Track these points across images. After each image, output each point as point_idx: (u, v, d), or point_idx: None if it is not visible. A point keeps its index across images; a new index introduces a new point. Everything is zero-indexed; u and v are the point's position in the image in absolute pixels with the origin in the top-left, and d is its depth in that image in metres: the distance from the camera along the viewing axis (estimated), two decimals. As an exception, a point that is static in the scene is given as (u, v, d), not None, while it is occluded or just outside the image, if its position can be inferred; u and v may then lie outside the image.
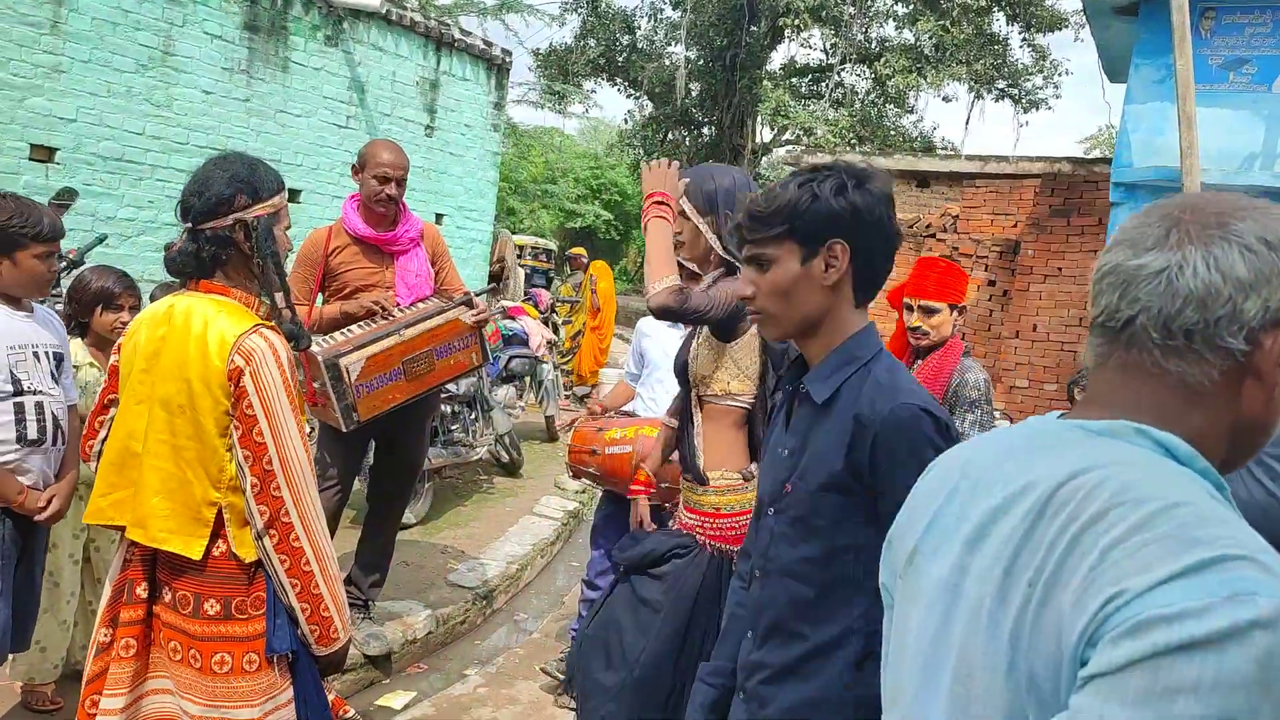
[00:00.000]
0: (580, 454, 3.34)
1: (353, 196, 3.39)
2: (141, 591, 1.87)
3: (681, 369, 2.31)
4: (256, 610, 1.81)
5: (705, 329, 2.23)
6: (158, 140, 6.21)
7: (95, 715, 1.85)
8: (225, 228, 1.84)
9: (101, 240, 4.83)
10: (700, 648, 2.13)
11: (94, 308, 2.82)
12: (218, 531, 1.81)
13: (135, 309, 2.90)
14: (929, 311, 2.79)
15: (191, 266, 1.86)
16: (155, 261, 6.30)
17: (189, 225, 1.84)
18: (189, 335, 1.79)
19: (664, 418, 2.64)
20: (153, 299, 3.24)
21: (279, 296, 1.92)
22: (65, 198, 4.93)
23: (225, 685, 1.80)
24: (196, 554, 1.79)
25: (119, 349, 1.95)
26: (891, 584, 0.95)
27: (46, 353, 2.42)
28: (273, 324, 1.88)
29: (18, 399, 2.30)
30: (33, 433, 2.34)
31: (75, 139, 5.74)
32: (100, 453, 1.97)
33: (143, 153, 6.13)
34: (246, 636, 1.81)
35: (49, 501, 2.39)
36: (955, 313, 2.82)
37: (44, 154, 5.63)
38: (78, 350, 2.80)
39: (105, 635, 1.89)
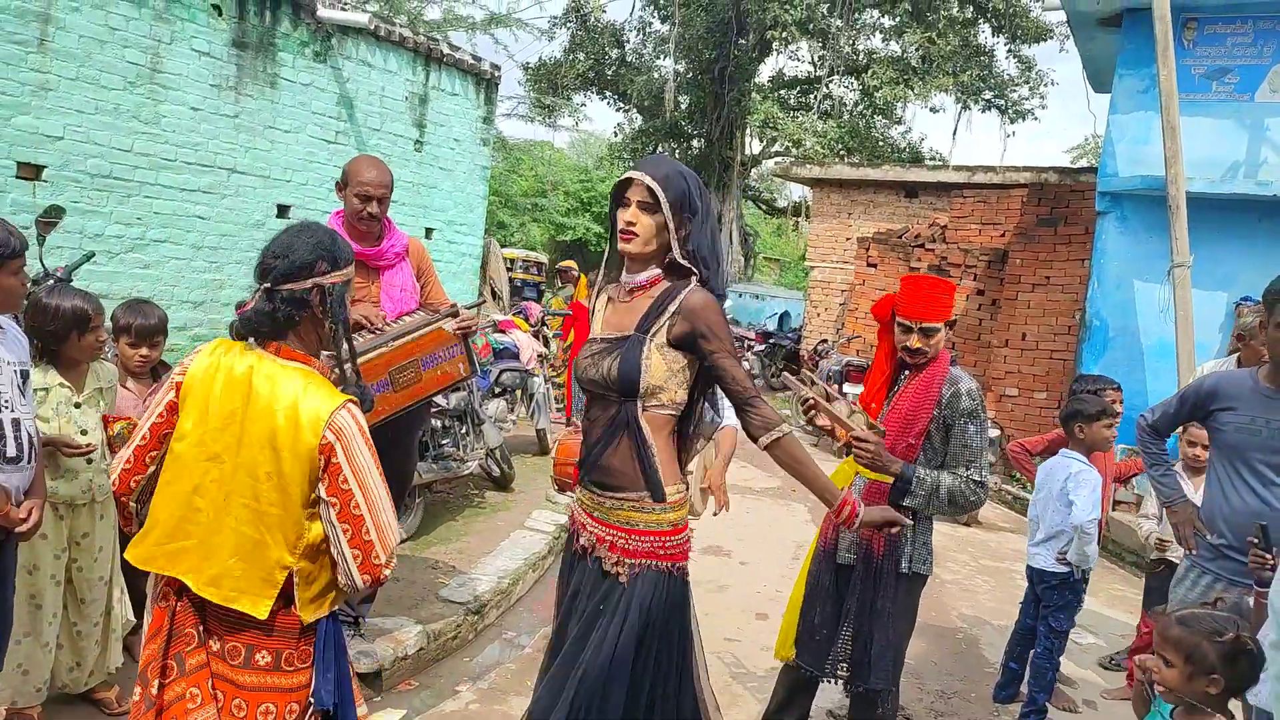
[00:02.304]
0: (566, 467, 3.32)
1: (338, 213, 3.39)
2: (198, 633, 1.90)
3: (624, 379, 2.12)
4: (303, 663, 1.90)
5: (659, 338, 2.14)
6: (146, 157, 6.20)
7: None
8: (303, 290, 1.88)
9: (89, 258, 4.81)
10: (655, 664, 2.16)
11: (69, 335, 2.77)
12: (284, 592, 1.85)
13: (99, 328, 2.87)
14: (929, 333, 2.76)
15: (266, 327, 1.89)
16: (142, 279, 6.28)
17: (266, 286, 1.88)
18: (278, 406, 1.83)
19: (567, 431, 2.48)
20: (114, 319, 3.20)
21: (347, 362, 1.99)
22: (52, 215, 4.91)
23: None
24: (263, 614, 1.83)
25: (177, 387, 1.93)
26: None
27: (16, 370, 2.40)
28: (355, 398, 1.92)
29: None
30: (11, 450, 2.32)
31: (63, 157, 5.73)
32: (143, 488, 1.97)
33: (131, 170, 6.12)
34: (291, 688, 1.88)
35: (29, 513, 2.37)
36: (948, 328, 2.84)
37: (31, 172, 5.61)
38: (42, 373, 2.76)
39: (156, 686, 1.89)
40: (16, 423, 2.34)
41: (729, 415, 3.60)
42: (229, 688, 1.87)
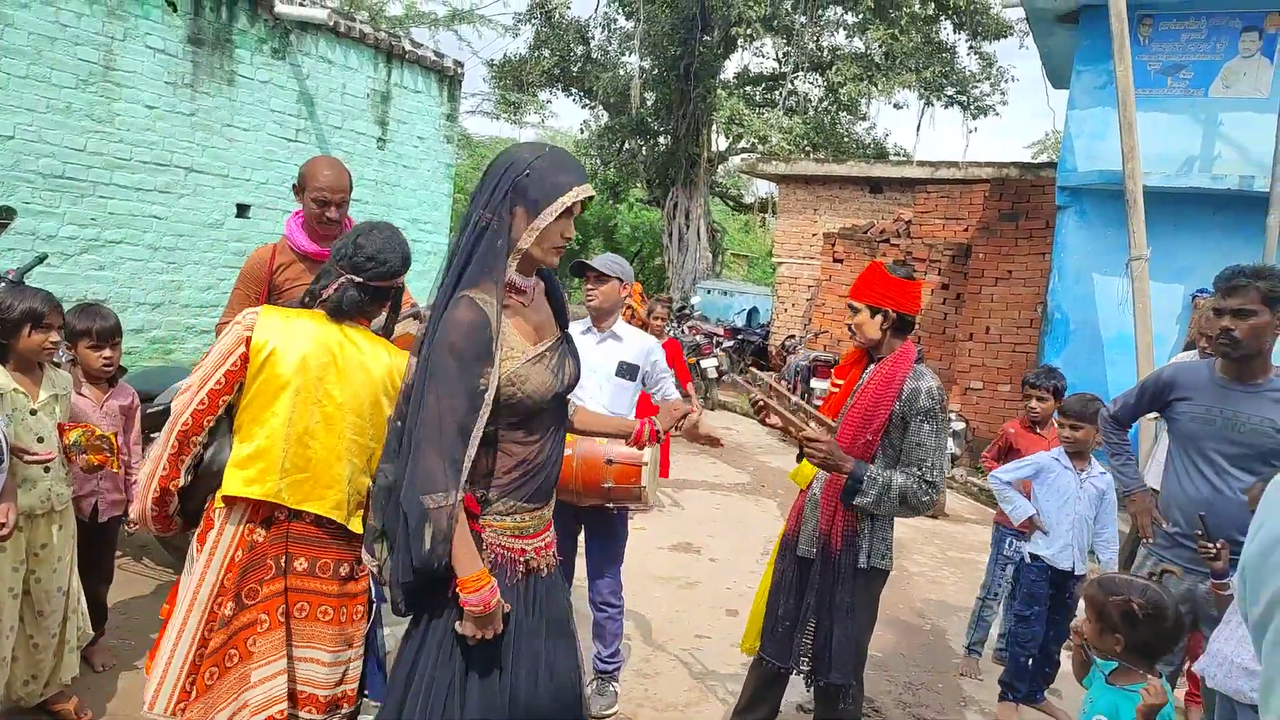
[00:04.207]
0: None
1: (297, 213, 3.33)
2: (284, 565, 2.23)
3: (578, 377, 2.13)
4: (362, 573, 2.31)
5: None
6: (99, 157, 6.08)
7: (249, 688, 2.17)
8: (390, 289, 2.37)
9: (42, 259, 4.69)
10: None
11: (21, 329, 2.71)
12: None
13: (61, 330, 2.82)
14: (852, 310, 2.88)
15: (356, 310, 2.32)
16: (98, 280, 6.15)
17: (359, 280, 2.28)
18: (375, 363, 2.30)
19: (457, 497, 1.89)
20: (67, 326, 3.08)
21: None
22: (3, 216, 4.79)
23: (342, 632, 2.28)
24: (359, 529, 2.28)
25: (247, 342, 2.22)
26: None
27: None
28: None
29: None
30: None
31: (13, 156, 5.59)
32: (212, 428, 2.27)
33: (84, 170, 5.99)
34: (357, 593, 2.32)
35: (6, 515, 2.35)
36: (879, 316, 2.82)
37: (-20, 172, 5.47)
38: None
39: (230, 609, 2.19)
40: None
41: (670, 389, 3.66)
42: (316, 598, 2.25)
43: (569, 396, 2.19)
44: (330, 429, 2.25)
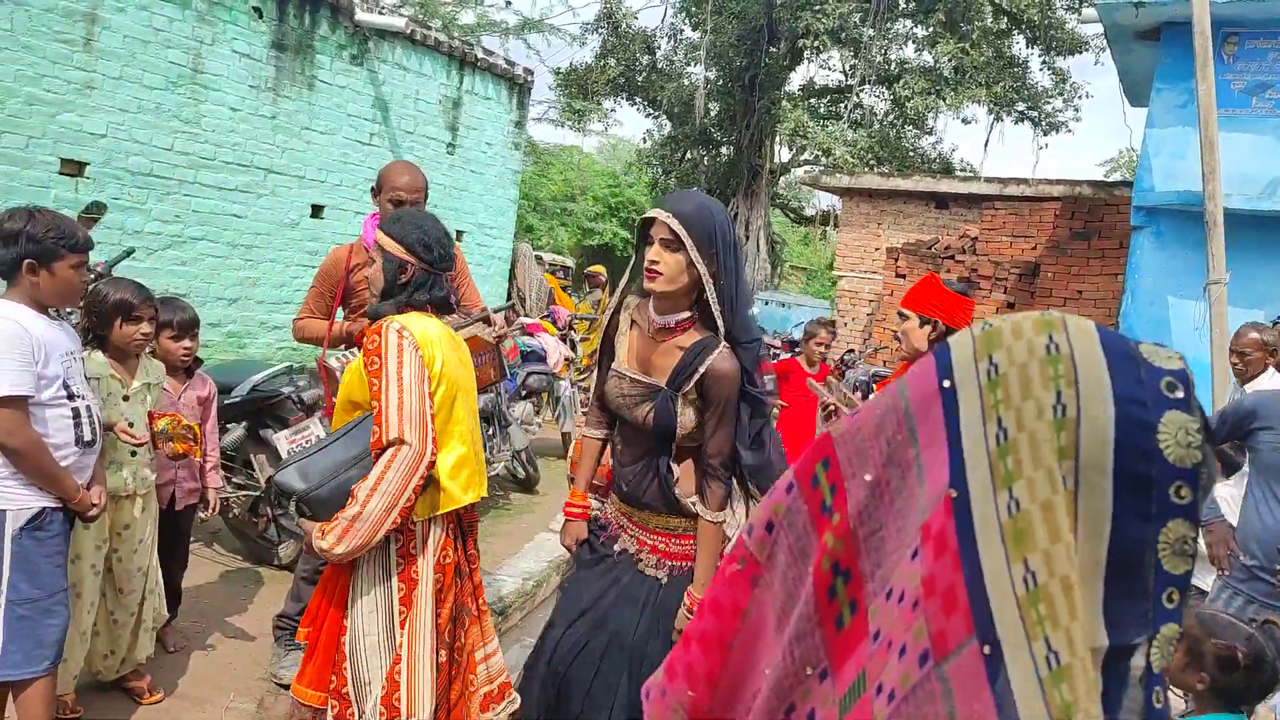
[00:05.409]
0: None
1: (373, 215, 3.42)
2: (468, 562, 2.39)
3: (660, 430, 2.17)
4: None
5: (690, 395, 2.15)
6: (185, 156, 6.32)
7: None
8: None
9: (129, 254, 4.90)
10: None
11: (114, 320, 2.82)
12: None
13: (153, 321, 2.93)
14: (901, 317, 2.94)
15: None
16: (180, 275, 6.38)
17: (447, 271, 2.37)
18: (466, 351, 2.42)
19: (587, 430, 2.48)
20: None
21: None
22: (94, 211, 5.01)
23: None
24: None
25: (418, 348, 2.15)
26: None
27: (79, 358, 2.49)
28: None
29: (73, 404, 2.40)
30: (87, 435, 2.45)
31: (105, 154, 5.84)
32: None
33: (170, 168, 6.23)
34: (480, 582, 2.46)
35: (100, 497, 2.48)
36: (927, 326, 2.88)
37: (74, 168, 5.73)
38: (97, 363, 2.82)
39: (450, 625, 2.25)
40: (89, 409, 2.46)
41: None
42: (468, 583, 2.36)
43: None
44: (471, 415, 2.34)
